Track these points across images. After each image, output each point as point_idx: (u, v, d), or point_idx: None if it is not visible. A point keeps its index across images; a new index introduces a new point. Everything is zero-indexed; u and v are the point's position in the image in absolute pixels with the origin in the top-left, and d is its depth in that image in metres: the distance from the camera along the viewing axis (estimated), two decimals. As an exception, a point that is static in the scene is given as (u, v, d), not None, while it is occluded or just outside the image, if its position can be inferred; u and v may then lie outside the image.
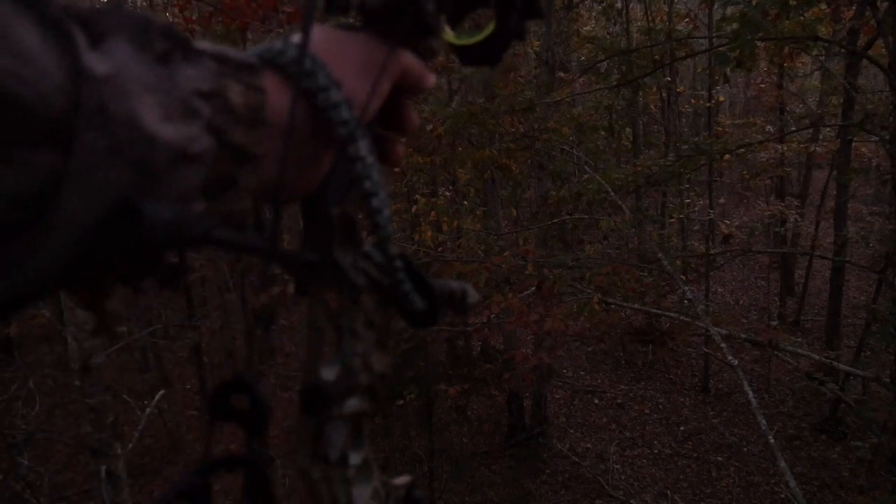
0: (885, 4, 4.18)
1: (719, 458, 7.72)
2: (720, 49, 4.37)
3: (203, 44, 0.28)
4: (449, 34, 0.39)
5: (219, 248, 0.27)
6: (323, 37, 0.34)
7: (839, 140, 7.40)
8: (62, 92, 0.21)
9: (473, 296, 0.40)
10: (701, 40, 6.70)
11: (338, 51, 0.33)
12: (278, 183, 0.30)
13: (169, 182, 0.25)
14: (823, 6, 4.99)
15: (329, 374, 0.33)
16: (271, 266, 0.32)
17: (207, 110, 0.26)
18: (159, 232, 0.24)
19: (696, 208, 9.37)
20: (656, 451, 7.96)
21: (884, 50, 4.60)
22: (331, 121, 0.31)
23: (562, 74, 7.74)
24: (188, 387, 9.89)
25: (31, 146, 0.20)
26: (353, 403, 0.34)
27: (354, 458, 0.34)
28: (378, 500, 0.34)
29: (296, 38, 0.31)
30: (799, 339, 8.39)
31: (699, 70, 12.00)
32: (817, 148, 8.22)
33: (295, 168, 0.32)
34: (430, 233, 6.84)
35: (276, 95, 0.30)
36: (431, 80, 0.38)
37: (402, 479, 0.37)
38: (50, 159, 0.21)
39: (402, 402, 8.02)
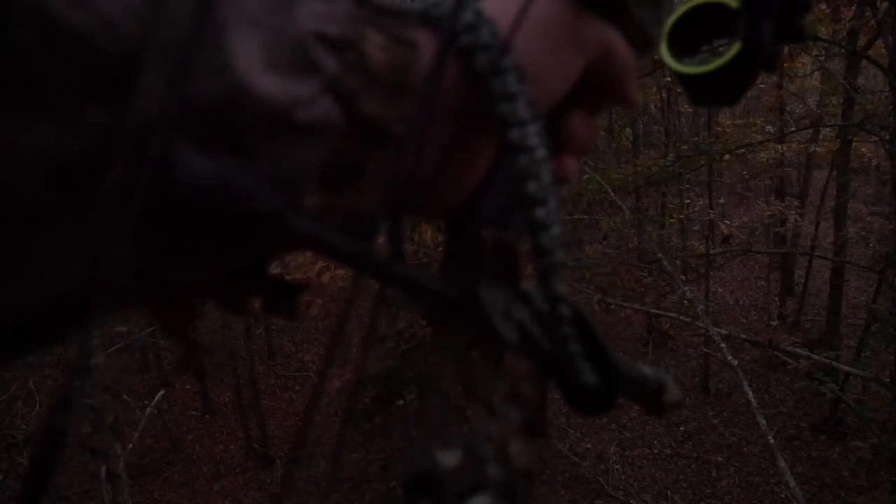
0: (885, 4, 4.18)
1: (719, 459, 7.72)
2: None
3: None
4: (673, 60, 0.30)
5: (307, 245, 0.20)
6: None
7: (839, 140, 7.41)
8: (132, 17, 0.15)
9: (674, 392, 0.29)
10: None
11: (516, 7, 0.24)
12: (416, 179, 0.22)
13: (267, 158, 0.18)
14: (823, 6, 4.99)
15: (449, 458, 0.24)
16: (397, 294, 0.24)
17: (332, 64, 0.19)
18: (191, 194, 0.17)
19: (696, 208, 9.36)
20: (656, 451, 7.96)
21: (883, 50, 4.61)
22: (492, 92, 0.22)
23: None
24: (188, 387, 9.89)
25: (79, 95, 0.14)
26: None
27: None
28: None
29: None
30: (799, 340, 8.39)
31: (699, 70, 11.98)
32: (817, 148, 8.21)
33: (443, 162, 0.24)
34: (430, 233, 6.84)
35: (430, 57, 0.22)
36: (635, 88, 0.27)
37: None
38: (103, 114, 0.15)
39: (401, 402, 8.02)
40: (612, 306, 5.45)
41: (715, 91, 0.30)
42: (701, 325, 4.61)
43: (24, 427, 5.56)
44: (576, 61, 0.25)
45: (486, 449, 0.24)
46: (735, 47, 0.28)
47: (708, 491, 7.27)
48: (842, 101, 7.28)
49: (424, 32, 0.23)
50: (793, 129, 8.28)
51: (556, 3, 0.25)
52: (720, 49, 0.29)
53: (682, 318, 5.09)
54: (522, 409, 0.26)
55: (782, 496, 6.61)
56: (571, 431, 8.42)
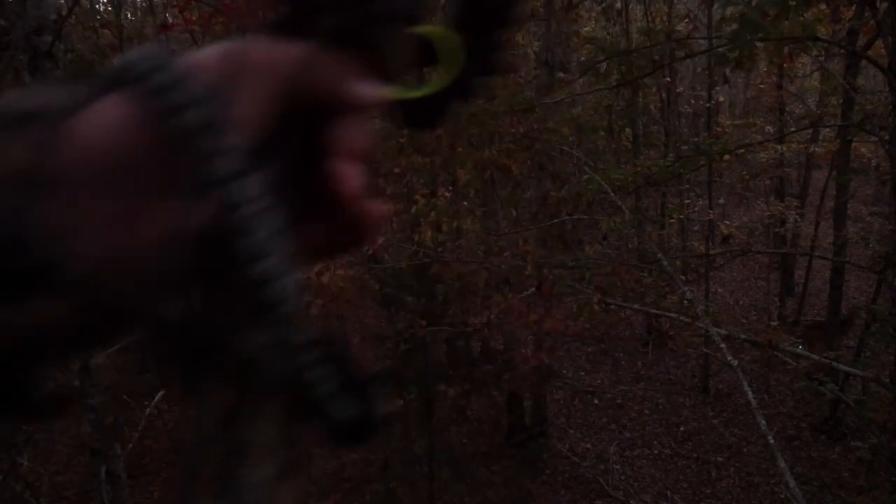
0: (885, 5, 4.18)
1: (719, 459, 7.72)
2: (720, 50, 4.38)
3: None
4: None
5: (82, 308, 0.19)
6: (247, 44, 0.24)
7: (839, 140, 7.41)
8: None
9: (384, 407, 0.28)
10: (701, 41, 6.70)
11: (248, 61, 0.23)
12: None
13: None
14: (823, 6, 4.99)
15: None
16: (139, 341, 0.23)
17: None
18: None
19: (696, 208, 9.37)
20: (656, 451, 7.96)
21: (883, 50, 4.61)
22: (194, 153, 0.20)
23: (561, 75, 7.76)
24: (188, 387, 9.89)
25: None
26: None
27: None
28: None
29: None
30: (799, 340, 8.41)
31: (699, 70, 12.01)
32: (817, 148, 8.23)
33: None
34: (429, 233, 6.85)
35: (112, 121, 0.21)
36: (366, 89, 0.26)
37: None
38: None
39: (401, 402, 8.02)
40: (612, 306, 5.46)
41: (416, 115, 0.32)
42: (701, 325, 4.61)
43: (24, 428, 5.56)
44: (255, 91, 0.23)
45: (254, 495, 0.23)
46: (440, 78, 0.30)
47: (708, 491, 7.27)
48: (841, 101, 7.28)
49: (114, 95, 0.21)
50: (792, 129, 8.29)
51: (269, 46, 0.24)
52: (427, 79, 0.32)
53: (682, 318, 5.09)
54: (289, 451, 0.25)
55: (782, 496, 6.61)
56: (571, 431, 8.42)
